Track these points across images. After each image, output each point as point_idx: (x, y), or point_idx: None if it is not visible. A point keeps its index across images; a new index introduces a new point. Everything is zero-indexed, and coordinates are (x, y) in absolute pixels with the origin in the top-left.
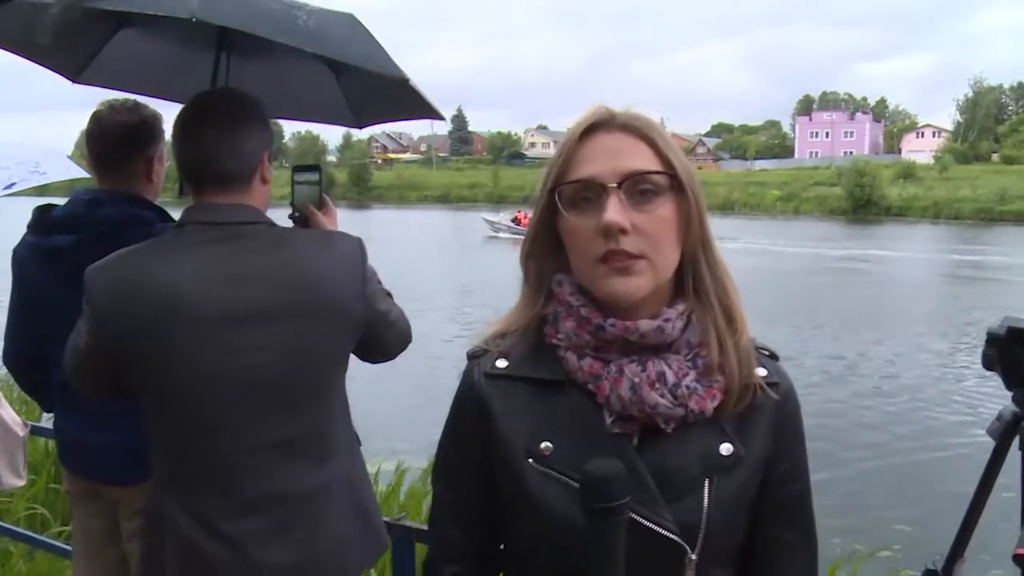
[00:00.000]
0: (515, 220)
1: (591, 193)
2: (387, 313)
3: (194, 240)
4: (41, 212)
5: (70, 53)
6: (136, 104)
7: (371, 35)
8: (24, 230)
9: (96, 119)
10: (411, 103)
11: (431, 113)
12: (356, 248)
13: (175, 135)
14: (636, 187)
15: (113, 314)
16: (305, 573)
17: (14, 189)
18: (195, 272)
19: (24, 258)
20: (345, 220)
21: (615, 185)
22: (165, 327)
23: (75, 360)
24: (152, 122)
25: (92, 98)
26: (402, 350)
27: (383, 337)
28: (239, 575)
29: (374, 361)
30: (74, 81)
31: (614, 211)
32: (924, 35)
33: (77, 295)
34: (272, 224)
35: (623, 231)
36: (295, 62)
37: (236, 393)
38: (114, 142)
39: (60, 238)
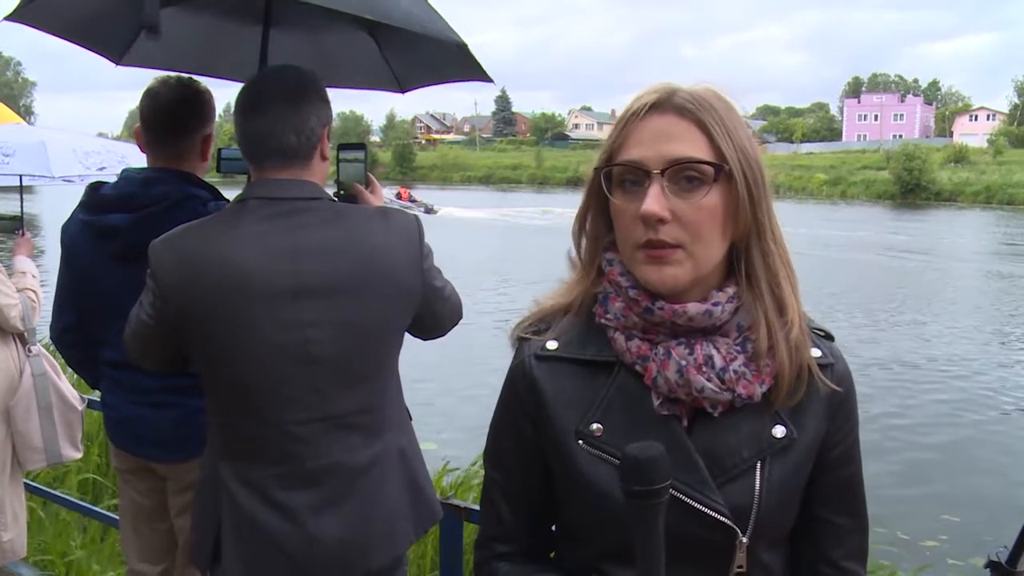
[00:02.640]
0: (397, 195)
1: (636, 176)
2: (442, 289)
3: (256, 215)
4: (94, 190)
5: (113, 36)
6: (190, 81)
7: (427, 2)
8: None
9: (152, 96)
10: (456, 66)
11: (479, 75)
12: (414, 224)
13: (237, 111)
14: (681, 174)
15: (178, 287)
16: (360, 544)
17: (105, 172)
18: (258, 247)
19: (76, 235)
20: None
21: (659, 172)
22: (229, 301)
23: (137, 335)
24: (207, 99)
25: (137, 79)
26: (453, 326)
27: (437, 313)
28: (297, 545)
29: (426, 337)
30: (117, 63)
31: (653, 200)
32: (989, 14)
33: (131, 273)
34: (332, 199)
35: (661, 220)
36: (336, 31)
37: (296, 366)
38: (171, 120)
39: (116, 217)
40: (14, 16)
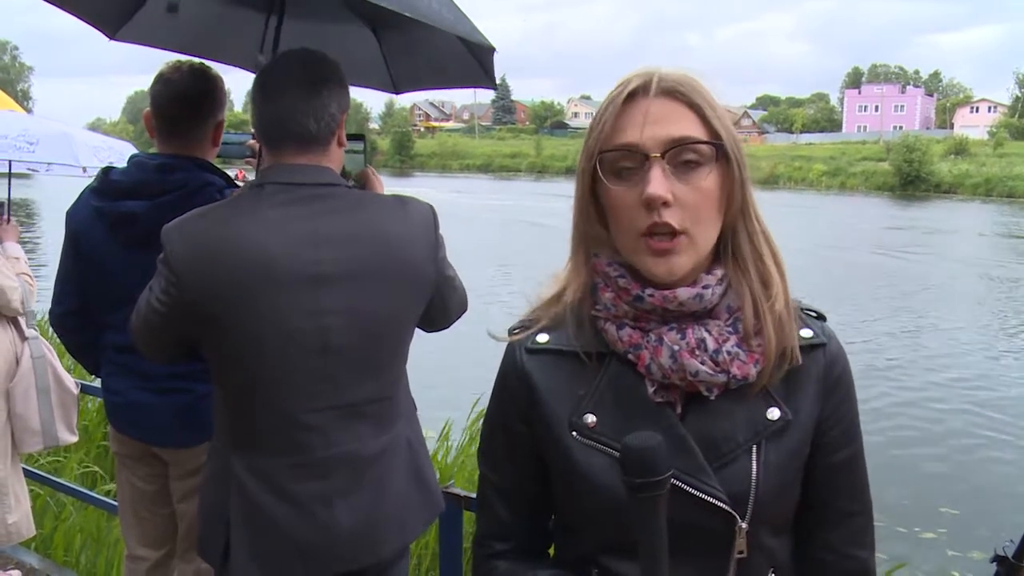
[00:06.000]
0: (235, 177)
1: (633, 162)
2: (453, 279)
3: (275, 200)
4: (106, 176)
5: (109, 9)
6: (203, 66)
7: (456, 4)
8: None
9: (164, 82)
10: (458, 72)
11: (481, 81)
12: (430, 213)
13: (255, 94)
14: (680, 156)
15: (194, 273)
16: (371, 534)
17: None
18: (278, 232)
19: (86, 221)
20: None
21: (658, 154)
22: (248, 287)
23: (148, 322)
24: (221, 85)
25: (136, 64)
26: (458, 318)
27: (447, 303)
28: (310, 537)
29: (432, 329)
30: (111, 38)
31: (657, 183)
32: (997, 4)
33: (144, 259)
34: (348, 186)
35: (665, 203)
36: (338, 26)
37: (313, 355)
38: (186, 107)
39: (132, 204)
40: None
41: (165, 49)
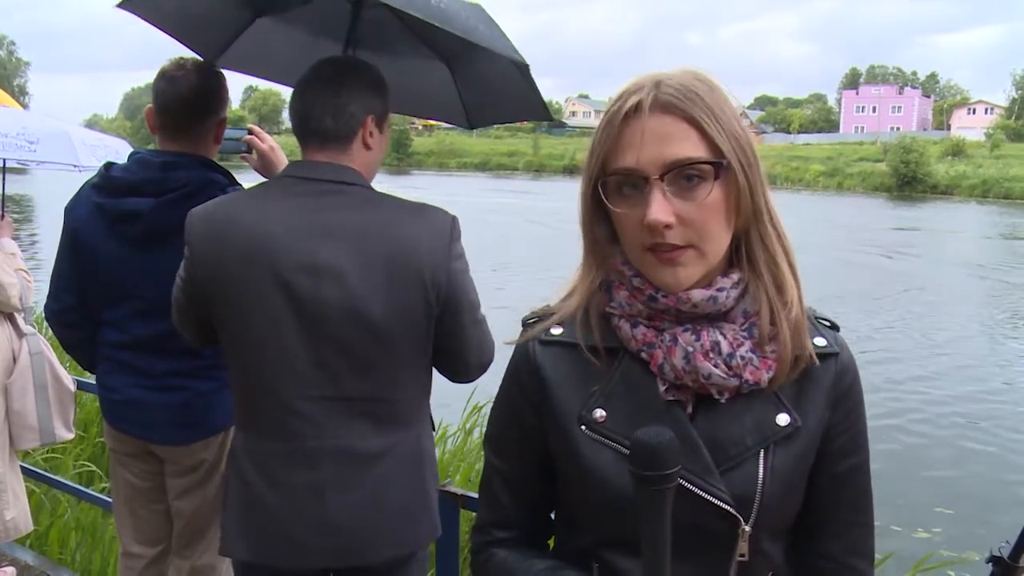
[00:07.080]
0: None
1: (634, 182)
2: (473, 305)
3: (287, 192)
4: (108, 172)
5: (211, 38)
6: (207, 65)
7: (495, 23)
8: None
9: (169, 80)
10: (522, 104)
11: (544, 115)
12: (447, 220)
13: (294, 95)
14: (681, 175)
15: (205, 252)
16: (361, 535)
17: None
18: (283, 221)
19: (86, 218)
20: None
21: (658, 177)
22: (248, 269)
23: (176, 303)
24: (223, 83)
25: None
26: (480, 366)
27: (464, 332)
28: (295, 526)
29: (451, 373)
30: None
31: (657, 208)
32: (999, 5)
33: (147, 256)
34: (367, 187)
35: (668, 226)
36: (415, 60)
37: (307, 341)
38: (190, 105)
39: (135, 201)
40: (124, 4)
41: (259, 77)
